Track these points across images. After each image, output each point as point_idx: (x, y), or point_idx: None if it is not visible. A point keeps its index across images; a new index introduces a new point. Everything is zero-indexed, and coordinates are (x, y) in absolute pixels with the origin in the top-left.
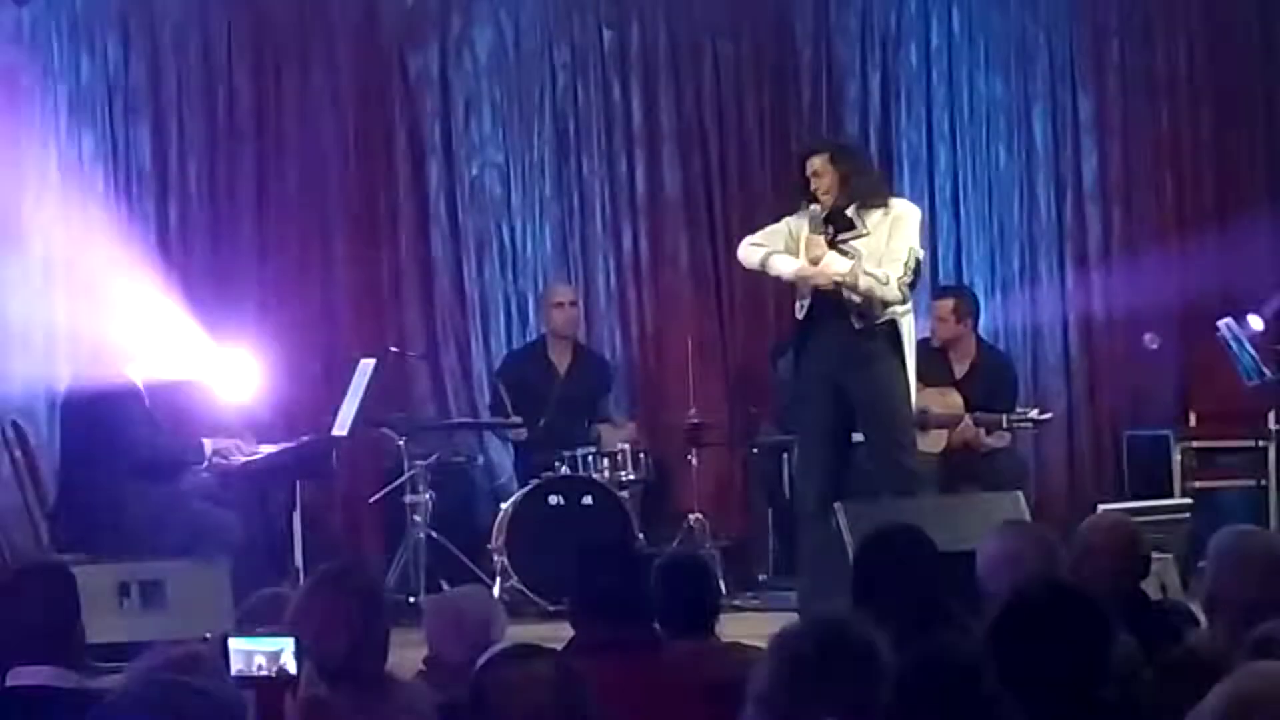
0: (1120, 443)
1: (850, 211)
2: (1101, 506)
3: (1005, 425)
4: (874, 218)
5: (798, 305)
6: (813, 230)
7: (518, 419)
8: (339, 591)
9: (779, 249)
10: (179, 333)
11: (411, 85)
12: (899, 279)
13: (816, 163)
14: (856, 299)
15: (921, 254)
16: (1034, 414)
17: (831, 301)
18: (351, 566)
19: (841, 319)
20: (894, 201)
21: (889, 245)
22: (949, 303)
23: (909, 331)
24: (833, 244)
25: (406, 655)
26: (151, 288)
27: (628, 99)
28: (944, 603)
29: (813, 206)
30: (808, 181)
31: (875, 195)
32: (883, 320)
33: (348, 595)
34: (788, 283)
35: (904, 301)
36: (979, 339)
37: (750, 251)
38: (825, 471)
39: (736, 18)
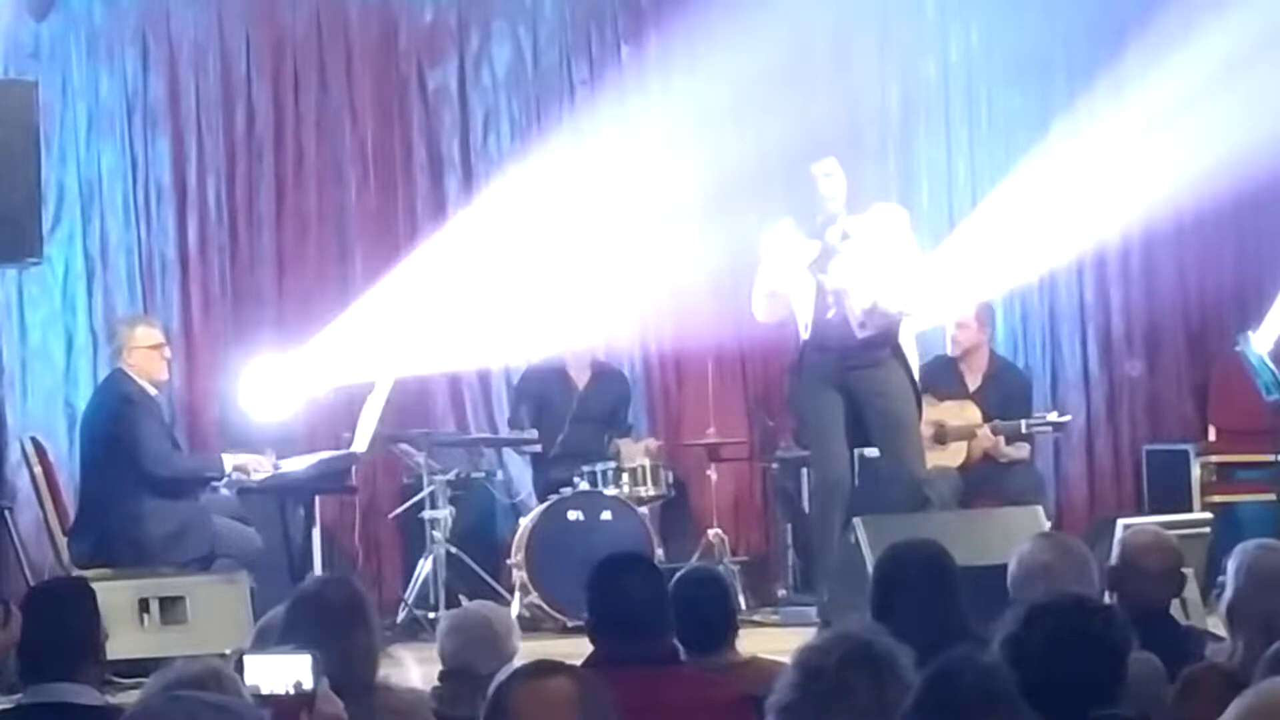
0: (1139, 457)
1: (841, 220)
2: (1122, 521)
3: (1024, 431)
4: (860, 222)
5: (803, 325)
6: (827, 254)
7: (534, 435)
8: (321, 605)
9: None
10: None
11: (430, 101)
12: (919, 300)
13: (831, 163)
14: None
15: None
16: (1053, 417)
17: (838, 313)
18: (333, 580)
19: (846, 326)
20: (876, 205)
21: (895, 263)
22: (970, 311)
23: (909, 340)
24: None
25: (425, 670)
26: None
27: (646, 113)
28: (963, 617)
29: (827, 236)
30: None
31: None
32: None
33: (330, 609)
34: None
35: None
36: (992, 351)
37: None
38: (843, 479)
39: (754, 32)
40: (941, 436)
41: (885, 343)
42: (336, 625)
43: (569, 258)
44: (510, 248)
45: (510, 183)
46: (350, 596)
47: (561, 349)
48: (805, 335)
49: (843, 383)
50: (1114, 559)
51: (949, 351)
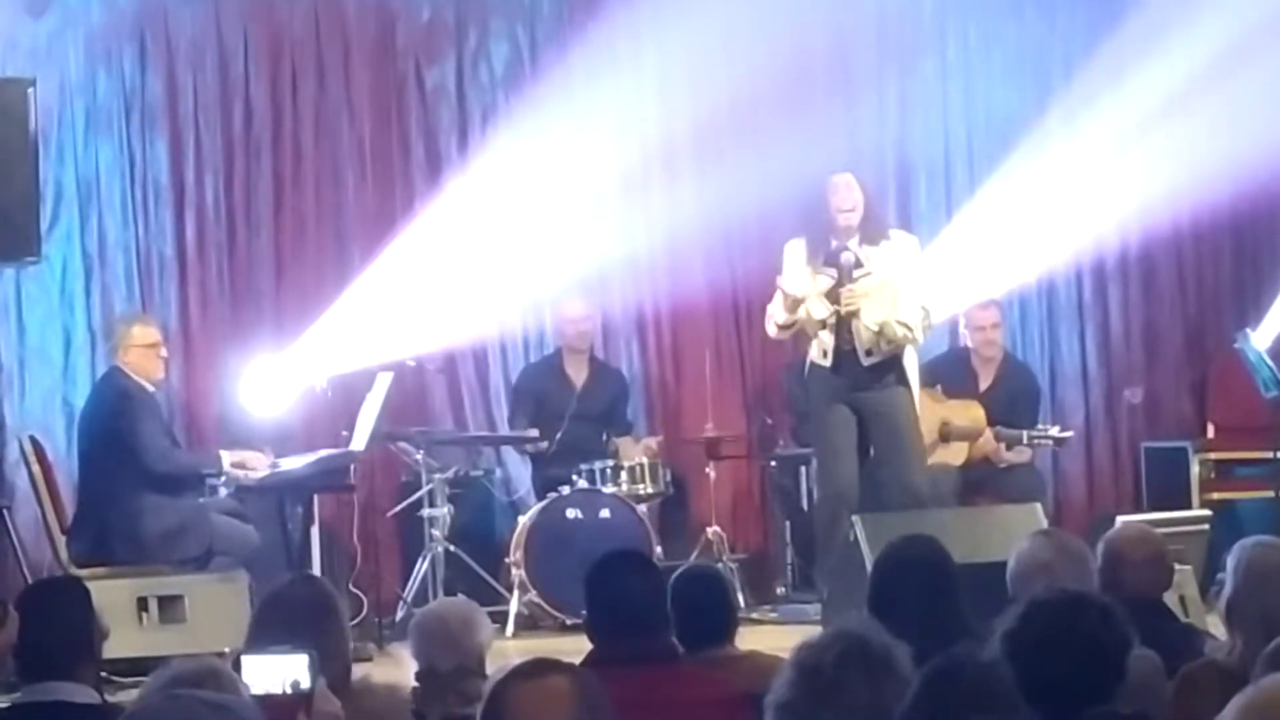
0: (1138, 455)
1: (853, 244)
2: (1120, 518)
3: (1026, 441)
4: (877, 251)
5: (820, 351)
6: (845, 277)
7: (534, 433)
8: (288, 606)
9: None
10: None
11: (428, 99)
12: (923, 327)
13: (849, 176)
14: (869, 339)
15: (929, 303)
16: (1054, 432)
17: (846, 338)
18: (300, 579)
19: (855, 353)
20: (892, 233)
21: (904, 288)
22: (996, 312)
23: (912, 360)
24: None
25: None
26: None
27: (644, 110)
28: (961, 614)
29: (844, 255)
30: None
31: (880, 226)
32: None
33: (297, 608)
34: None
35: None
36: (1006, 351)
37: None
38: (849, 483)
39: (753, 30)
40: (946, 435)
41: (891, 368)
42: (304, 625)
43: (562, 258)
44: (501, 244)
45: (505, 177)
46: (318, 595)
47: (559, 342)
48: (825, 362)
49: (850, 400)
50: (1099, 558)
51: (981, 351)
